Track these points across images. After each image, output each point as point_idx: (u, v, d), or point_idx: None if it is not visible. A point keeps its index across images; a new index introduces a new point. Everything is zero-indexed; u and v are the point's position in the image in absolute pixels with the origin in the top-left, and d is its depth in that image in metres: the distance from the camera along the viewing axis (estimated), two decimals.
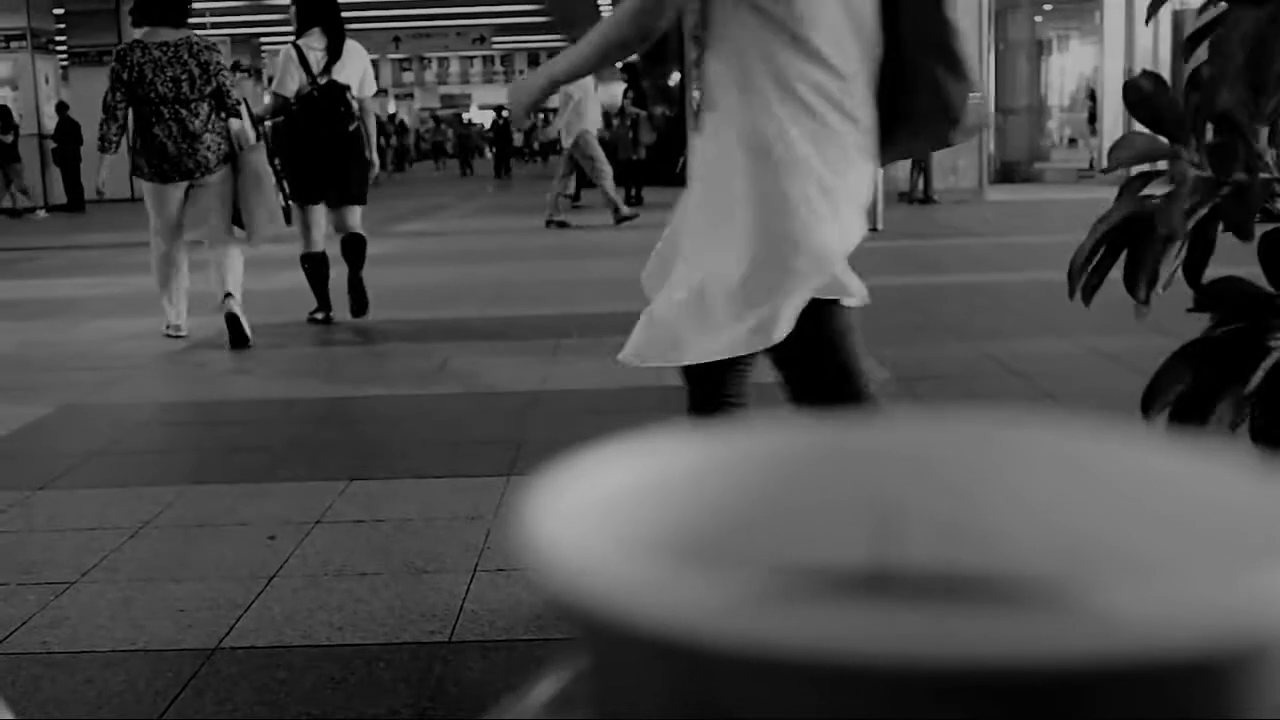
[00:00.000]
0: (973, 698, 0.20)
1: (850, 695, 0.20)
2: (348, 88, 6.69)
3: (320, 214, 6.90)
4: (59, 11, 23.11)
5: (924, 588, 0.28)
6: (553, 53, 46.90)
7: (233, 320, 6.44)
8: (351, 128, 6.71)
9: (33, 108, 21.55)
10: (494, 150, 32.75)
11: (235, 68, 6.76)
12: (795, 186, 2.26)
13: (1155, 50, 15.22)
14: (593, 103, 13.57)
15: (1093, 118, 19.13)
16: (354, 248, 6.96)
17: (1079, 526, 0.28)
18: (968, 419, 0.30)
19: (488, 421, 4.68)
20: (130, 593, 3.01)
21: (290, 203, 6.77)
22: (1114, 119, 16.41)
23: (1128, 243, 1.47)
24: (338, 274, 7.09)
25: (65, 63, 24.55)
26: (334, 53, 6.67)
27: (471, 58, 46.45)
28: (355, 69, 6.80)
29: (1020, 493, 0.29)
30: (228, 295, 6.47)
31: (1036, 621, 0.19)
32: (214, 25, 28.79)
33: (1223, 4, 1.44)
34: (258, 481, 3.93)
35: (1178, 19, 15.44)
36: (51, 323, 7.75)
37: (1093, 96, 19.16)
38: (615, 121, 18.69)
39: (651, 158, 18.64)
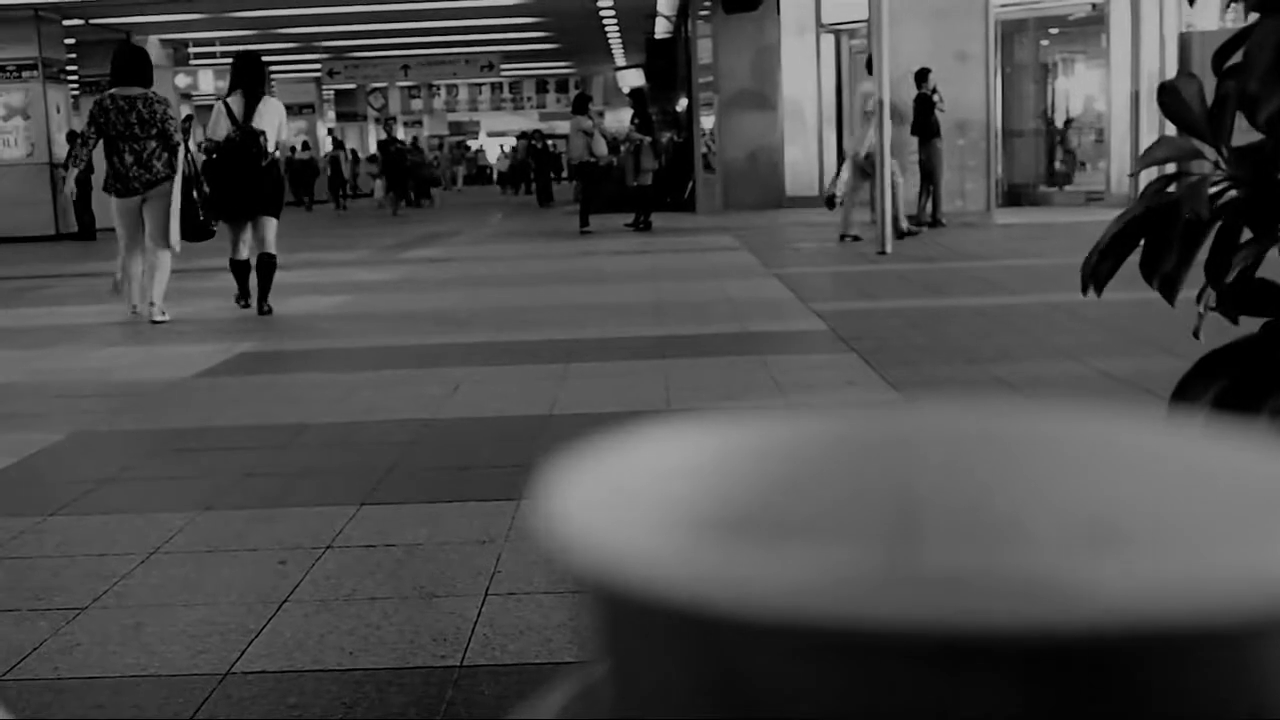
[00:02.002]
0: (995, 666, 0.20)
1: (872, 665, 0.20)
2: (262, 132, 8.79)
3: (243, 230, 9.05)
4: (70, 41, 23.25)
5: (944, 572, 0.28)
6: (561, 80, 47.01)
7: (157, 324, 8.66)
8: (264, 163, 8.85)
9: (44, 136, 21.65)
10: (533, 176, 30.55)
11: (187, 119, 9.89)
12: None
13: (1162, 72, 15.22)
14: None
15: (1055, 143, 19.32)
16: (264, 270, 9.03)
17: (1104, 515, 0.28)
18: (990, 409, 0.30)
19: (498, 446, 4.68)
20: (141, 618, 3.01)
21: (208, 218, 8.82)
22: (1121, 139, 16.41)
23: (1147, 231, 1.45)
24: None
25: (76, 92, 24.68)
26: (249, 109, 8.82)
27: (480, 85, 46.62)
28: (271, 119, 8.90)
29: (1043, 482, 0.29)
30: (151, 304, 8.75)
31: (1058, 591, 0.19)
32: (223, 54, 28.96)
33: (1251, 16, 1.44)
34: (268, 507, 3.93)
35: (1184, 40, 15.46)
36: (63, 350, 7.77)
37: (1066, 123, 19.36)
38: (622, 148, 18.75)
39: (659, 183, 18.70)
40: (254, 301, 9.08)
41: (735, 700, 0.22)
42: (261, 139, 8.76)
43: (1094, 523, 0.28)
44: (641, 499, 0.27)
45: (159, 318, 8.67)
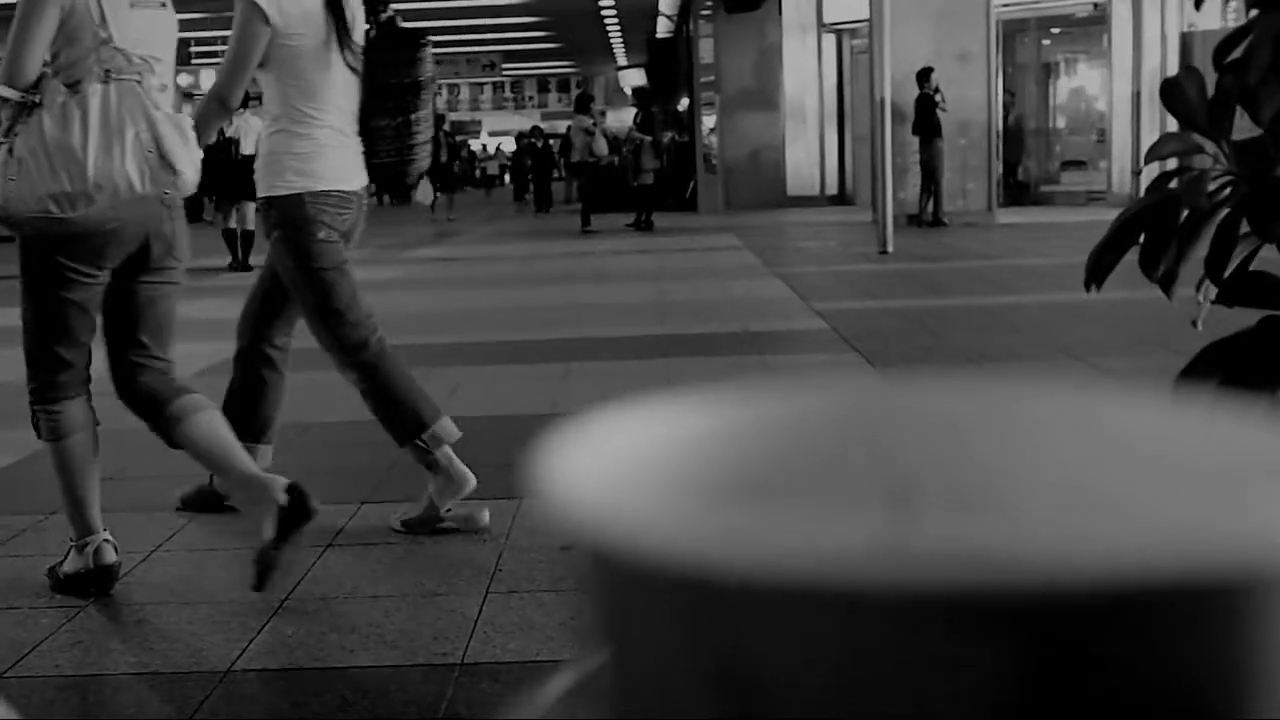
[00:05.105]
0: (985, 624, 0.20)
1: (863, 624, 0.20)
2: (238, 140, 12.06)
3: (230, 210, 12.56)
4: None
5: (935, 539, 0.29)
6: (563, 79, 46.96)
7: None
8: (241, 158, 11.68)
9: None
10: (531, 177, 27.87)
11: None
12: None
13: (1163, 72, 15.22)
14: None
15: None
16: (246, 240, 12.37)
17: (1094, 488, 0.28)
18: (986, 384, 0.30)
19: (499, 445, 4.67)
20: (143, 616, 3.02)
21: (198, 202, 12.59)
22: (1123, 139, 16.41)
23: (1148, 226, 1.45)
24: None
25: None
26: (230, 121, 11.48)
27: (481, 84, 46.57)
28: (249, 129, 11.63)
29: (1037, 457, 0.29)
30: None
31: (1045, 551, 0.20)
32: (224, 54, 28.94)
33: (1252, 12, 1.45)
34: None
35: (1185, 40, 15.46)
36: None
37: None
38: (624, 148, 18.74)
39: (660, 183, 18.71)
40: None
41: (735, 663, 0.22)
42: (236, 146, 12.15)
43: (1074, 491, 0.28)
44: (641, 467, 0.27)
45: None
